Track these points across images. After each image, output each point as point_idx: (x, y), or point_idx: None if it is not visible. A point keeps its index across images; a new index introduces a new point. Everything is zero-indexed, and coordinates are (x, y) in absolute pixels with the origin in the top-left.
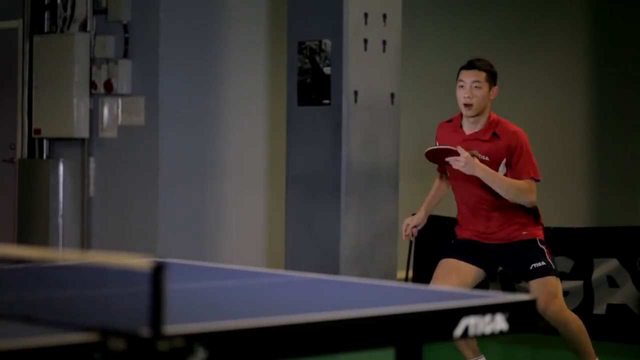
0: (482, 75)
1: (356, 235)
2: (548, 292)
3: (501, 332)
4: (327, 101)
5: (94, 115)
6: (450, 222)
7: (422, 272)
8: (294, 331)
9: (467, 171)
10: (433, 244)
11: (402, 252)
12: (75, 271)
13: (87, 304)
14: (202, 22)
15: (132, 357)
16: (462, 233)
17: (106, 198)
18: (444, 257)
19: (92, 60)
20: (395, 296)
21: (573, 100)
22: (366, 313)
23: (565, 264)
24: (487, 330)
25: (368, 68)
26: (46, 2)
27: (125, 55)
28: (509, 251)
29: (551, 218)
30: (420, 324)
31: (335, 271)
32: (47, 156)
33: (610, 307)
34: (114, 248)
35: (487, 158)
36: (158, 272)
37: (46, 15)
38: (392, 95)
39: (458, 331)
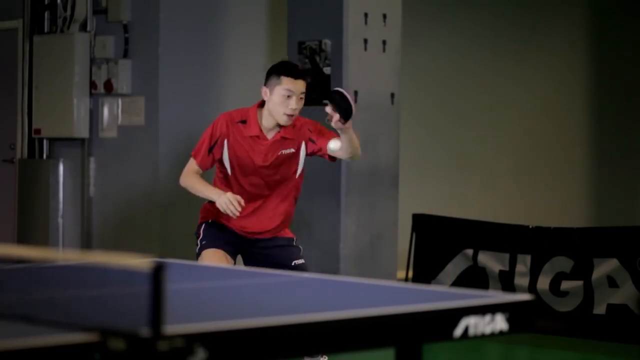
0: (305, 85)
1: (356, 235)
2: None
3: (501, 332)
4: (327, 101)
5: (94, 115)
6: (450, 222)
7: (422, 272)
8: (294, 331)
9: (349, 129)
10: (433, 244)
11: (402, 252)
12: (75, 271)
13: (87, 304)
14: (202, 22)
15: (132, 357)
16: None
17: (106, 198)
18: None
19: (92, 60)
20: (395, 296)
21: (573, 100)
22: (366, 313)
23: (565, 264)
24: (487, 330)
25: (368, 68)
26: (46, 2)
27: (125, 55)
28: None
29: (551, 218)
30: (420, 324)
31: (335, 271)
32: (47, 156)
33: (610, 307)
34: (114, 248)
35: (292, 149)
36: (158, 272)
37: (46, 15)
38: (392, 95)
39: (458, 331)
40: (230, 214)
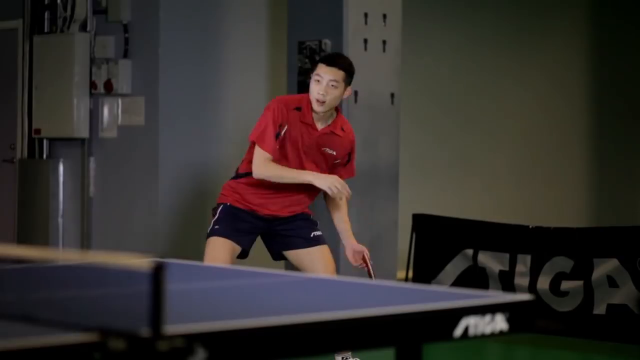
0: (341, 74)
1: (356, 235)
2: None
3: (501, 332)
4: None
5: (94, 115)
6: (450, 222)
7: (422, 272)
8: (294, 331)
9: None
10: (433, 244)
11: (402, 252)
12: (75, 271)
13: (87, 304)
14: (202, 22)
15: (132, 357)
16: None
17: (106, 198)
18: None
19: (92, 60)
20: (395, 296)
21: (573, 100)
22: (366, 313)
23: (565, 264)
24: (487, 330)
25: (368, 68)
26: (46, 2)
27: (125, 55)
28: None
29: (551, 218)
30: (420, 324)
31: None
32: (47, 156)
33: (610, 307)
34: (114, 248)
35: (334, 152)
36: (158, 272)
37: (46, 15)
38: (392, 95)
39: (458, 331)
40: (340, 198)
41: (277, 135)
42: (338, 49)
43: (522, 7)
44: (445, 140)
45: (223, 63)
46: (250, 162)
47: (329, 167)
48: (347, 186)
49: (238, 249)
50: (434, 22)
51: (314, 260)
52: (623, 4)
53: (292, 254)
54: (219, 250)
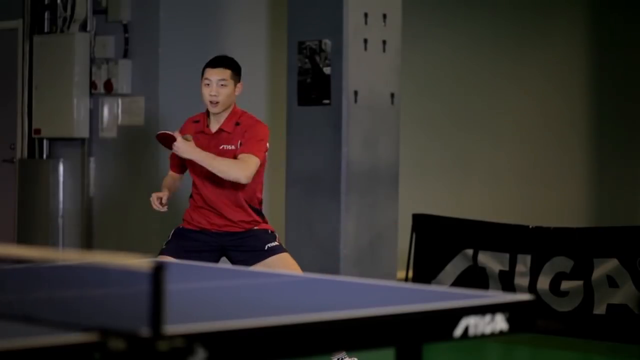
0: (227, 72)
1: (356, 235)
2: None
3: (501, 332)
4: (327, 101)
5: (94, 115)
6: (450, 222)
7: (422, 272)
8: (294, 331)
9: (184, 155)
10: (433, 244)
11: (402, 252)
12: (75, 271)
13: (87, 304)
14: (202, 22)
15: (132, 357)
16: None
17: (106, 198)
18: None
19: (92, 60)
20: (395, 296)
21: (573, 100)
22: (366, 313)
23: (565, 264)
24: (487, 330)
25: (368, 68)
26: (46, 2)
27: (125, 55)
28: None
29: (551, 218)
30: (420, 324)
31: (335, 271)
32: (47, 156)
33: (610, 307)
34: (114, 248)
35: (232, 146)
36: (158, 272)
37: (46, 15)
38: (392, 95)
39: (458, 331)
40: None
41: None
42: (338, 49)
43: (522, 7)
44: (445, 140)
45: None
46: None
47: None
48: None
49: None
50: (434, 22)
51: (276, 270)
52: (623, 3)
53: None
54: None
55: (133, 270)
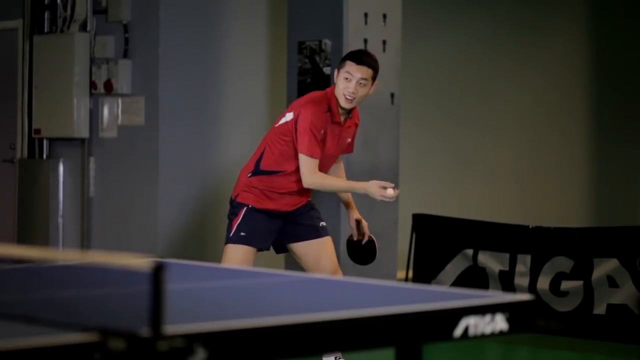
0: (370, 72)
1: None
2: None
3: (501, 332)
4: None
5: (94, 115)
6: (450, 222)
7: (422, 272)
8: (294, 331)
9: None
10: (433, 244)
11: (402, 252)
12: (75, 271)
13: (87, 304)
14: (202, 22)
15: (132, 357)
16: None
17: (106, 198)
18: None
19: (92, 60)
20: (395, 296)
21: (573, 100)
22: (366, 313)
23: (565, 264)
24: (487, 330)
25: None
26: (46, 2)
27: (125, 55)
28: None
29: (551, 218)
30: (420, 324)
31: None
32: (47, 156)
33: (610, 307)
34: (114, 248)
35: (349, 139)
36: (158, 272)
37: (46, 15)
38: (392, 95)
39: (458, 331)
40: (390, 199)
41: (322, 142)
42: (338, 49)
43: (522, 7)
44: (445, 140)
45: (223, 63)
46: (277, 160)
47: (346, 148)
48: (389, 185)
49: (255, 252)
50: (434, 22)
51: (322, 251)
52: (623, 3)
53: (301, 245)
54: (245, 260)
55: (133, 270)
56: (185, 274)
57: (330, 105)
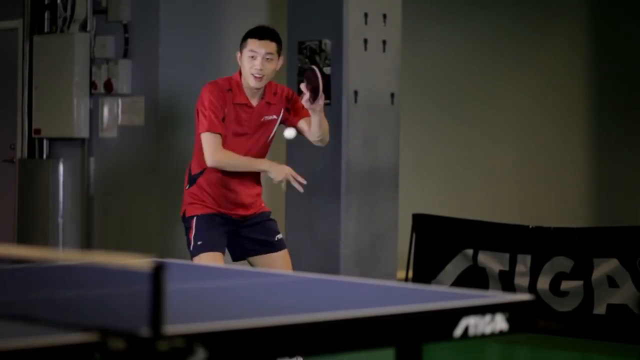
0: (274, 46)
1: (356, 235)
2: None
3: (501, 332)
4: (327, 101)
5: (94, 115)
6: (450, 222)
7: (422, 272)
8: (294, 331)
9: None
10: (433, 244)
11: (402, 252)
12: (75, 271)
13: (87, 304)
14: (202, 22)
15: (132, 357)
16: None
17: (106, 198)
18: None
19: (92, 60)
20: (395, 296)
21: (573, 100)
22: (366, 313)
23: (565, 264)
24: (487, 330)
25: (368, 68)
26: (46, 2)
27: (125, 55)
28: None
29: (551, 218)
30: (420, 324)
31: (335, 271)
32: (47, 156)
33: (610, 307)
34: (114, 248)
35: (274, 116)
36: (158, 272)
37: (46, 15)
38: (392, 95)
39: (458, 331)
40: (299, 188)
41: (223, 119)
42: (338, 49)
43: (522, 7)
44: (445, 140)
45: (223, 63)
46: (199, 160)
47: (275, 127)
48: (299, 177)
49: (222, 256)
50: (434, 22)
51: (277, 266)
52: (623, 3)
53: (256, 260)
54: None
55: (133, 270)
56: (185, 274)
57: (231, 87)
